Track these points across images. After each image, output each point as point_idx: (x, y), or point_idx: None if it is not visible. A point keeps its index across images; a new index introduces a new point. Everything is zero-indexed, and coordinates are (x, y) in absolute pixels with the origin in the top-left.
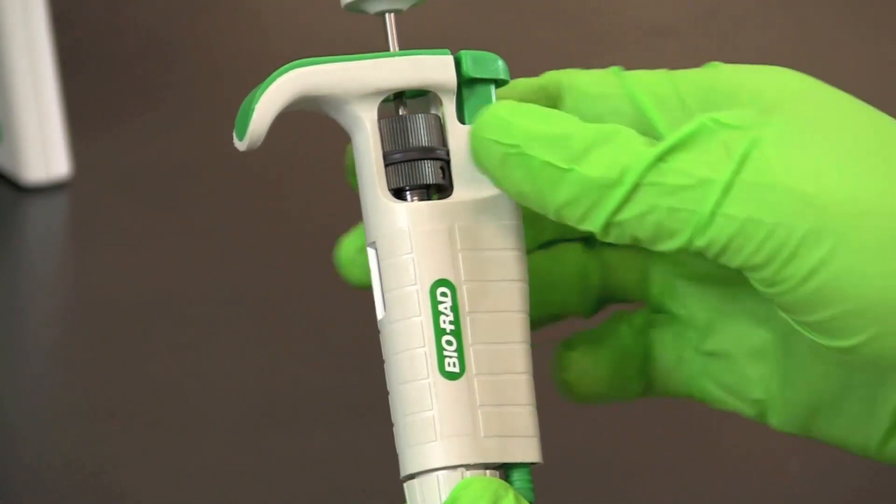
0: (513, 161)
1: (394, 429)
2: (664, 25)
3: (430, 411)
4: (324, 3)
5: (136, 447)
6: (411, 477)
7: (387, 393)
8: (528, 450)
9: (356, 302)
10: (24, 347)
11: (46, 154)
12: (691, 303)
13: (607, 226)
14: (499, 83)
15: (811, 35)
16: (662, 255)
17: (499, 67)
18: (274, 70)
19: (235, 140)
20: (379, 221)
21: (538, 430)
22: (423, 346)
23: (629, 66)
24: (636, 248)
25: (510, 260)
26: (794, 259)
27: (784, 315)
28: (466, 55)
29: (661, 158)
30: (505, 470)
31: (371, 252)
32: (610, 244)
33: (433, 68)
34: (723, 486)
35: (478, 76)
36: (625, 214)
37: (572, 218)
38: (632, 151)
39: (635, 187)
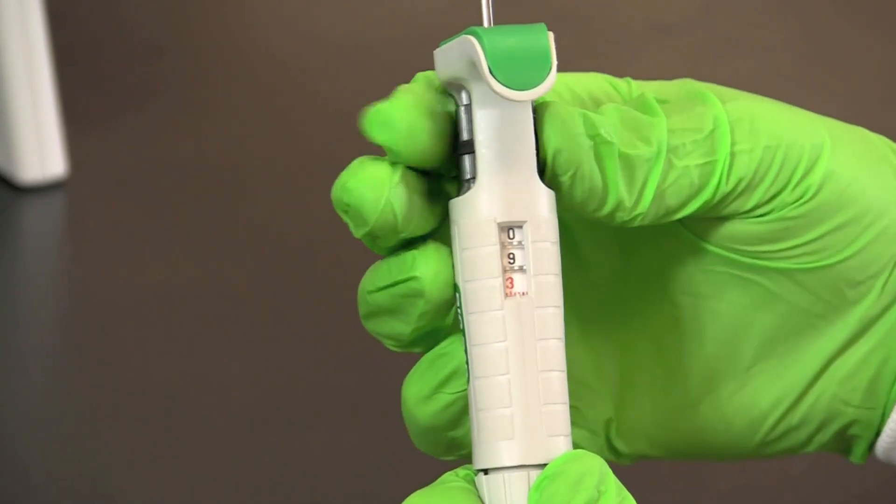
0: (602, 151)
1: (530, 408)
2: (665, 24)
3: (566, 405)
4: (317, 4)
5: (135, 446)
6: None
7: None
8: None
9: (356, 302)
10: (21, 347)
11: (42, 154)
12: None
13: (654, 200)
14: None
15: (811, 35)
16: None
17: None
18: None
19: (512, 92)
20: (532, 202)
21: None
22: (563, 338)
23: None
24: None
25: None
26: (811, 171)
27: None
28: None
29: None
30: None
31: (519, 230)
32: None
33: None
34: (723, 488)
35: None
36: (667, 183)
37: (628, 205)
38: (650, 123)
39: (668, 155)
